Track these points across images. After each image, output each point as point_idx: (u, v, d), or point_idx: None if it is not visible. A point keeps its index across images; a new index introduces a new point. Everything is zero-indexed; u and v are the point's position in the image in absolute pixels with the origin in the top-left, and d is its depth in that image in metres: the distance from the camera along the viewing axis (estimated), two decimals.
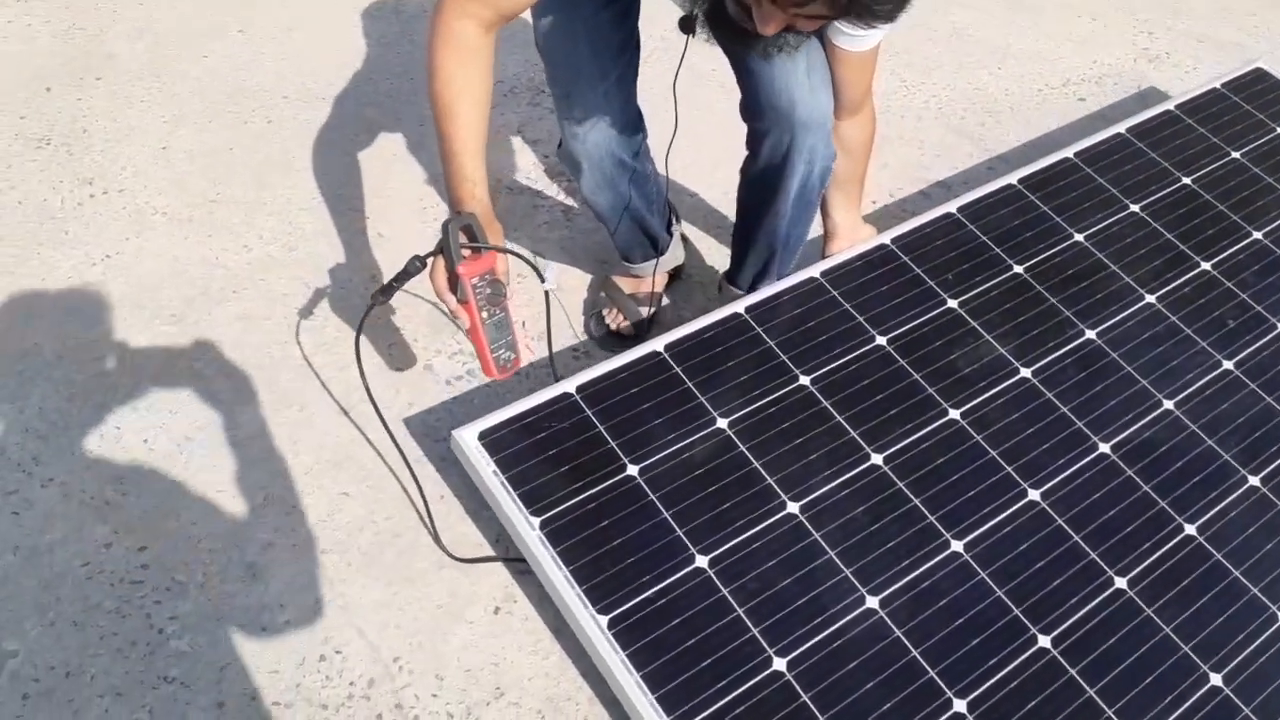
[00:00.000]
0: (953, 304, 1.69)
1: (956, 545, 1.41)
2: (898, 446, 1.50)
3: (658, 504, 1.39)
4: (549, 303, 1.56)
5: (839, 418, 1.52)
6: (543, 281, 1.45)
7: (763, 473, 1.44)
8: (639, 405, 1.49)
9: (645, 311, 1.89)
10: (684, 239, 2.02)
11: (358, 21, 2.62)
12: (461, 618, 1.45)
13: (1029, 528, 1.44)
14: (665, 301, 1.95)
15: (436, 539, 1.53)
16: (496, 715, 1.35)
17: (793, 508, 1.41)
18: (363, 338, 1.83)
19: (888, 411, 1.54)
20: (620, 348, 1.79)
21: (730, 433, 1.48)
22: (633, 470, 1.42)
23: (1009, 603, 1.37)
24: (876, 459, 1.48)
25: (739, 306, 1.63)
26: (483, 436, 1.43)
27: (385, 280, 1.56)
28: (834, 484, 1.45)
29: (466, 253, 1.33)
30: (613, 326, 1.88)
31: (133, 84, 2.33)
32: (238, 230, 2.02)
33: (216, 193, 2.09)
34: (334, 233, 2.05)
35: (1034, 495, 1.48)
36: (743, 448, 1.46)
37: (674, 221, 1.94)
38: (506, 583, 1.48)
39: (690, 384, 1.53)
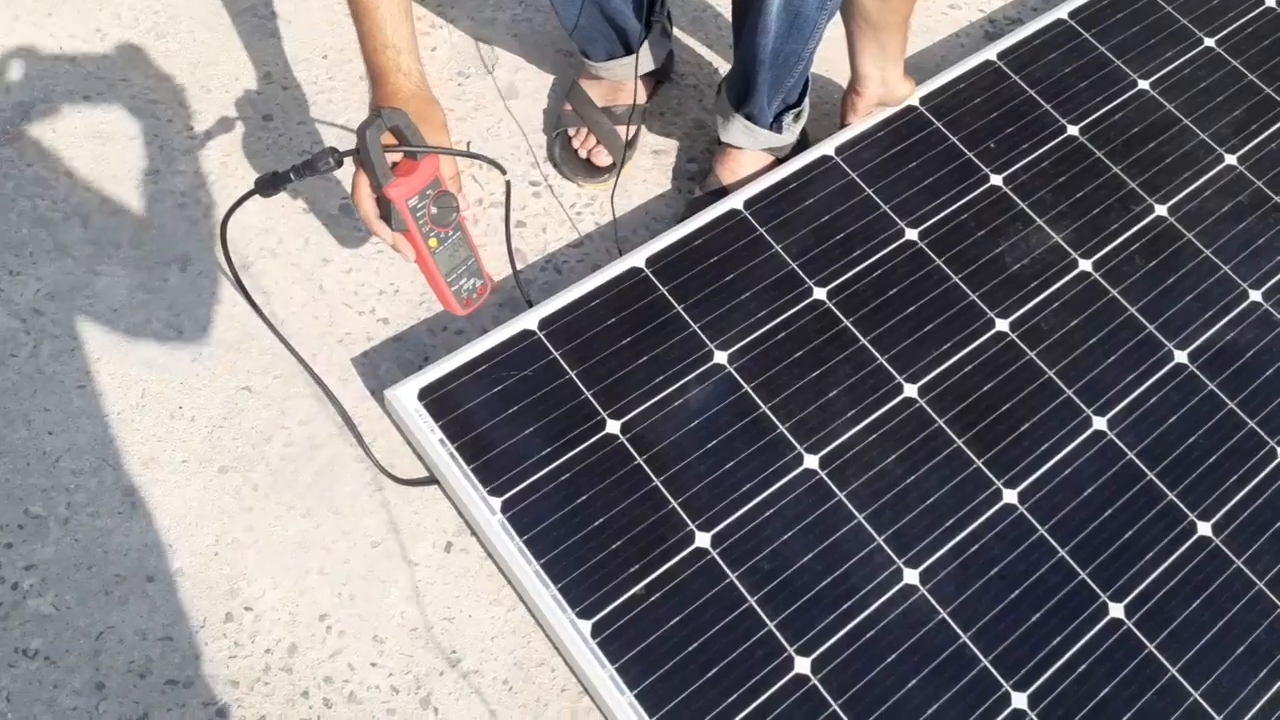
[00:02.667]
0: (996, 180, 1.39)
1: (1009, 496, 1.17)
2: (935, 373, 1.23)
3: (646, 469, 1.14)
4: (509, 201, 1.21)
5: (863, 340, 1.24)
6: (503, 174, 1.14)
7: (772, 418, 1.18)
8: (616, 341, 1.21)
9: (624, 131, 1.46)
10: (667, 31, 1.52)
11: None
12: (404, 558, 1.16)
13: (1094, 467, 1.20)
14: (646, 113, 1.51)
15: (368, 452, 1.21)
16: (453, 687, 1.11)
17: (810, 461, 1.16)
18: (243, 164, 1.44)
19: (921, 328, 1.26)
20: (590, 178, 1.45)
21: (730, 369, 1.21)
22: (613, 427, 1.16)
23: (1073, 565, 1.13)
24: (910, 390, 1.22)
25: (735, 202, 1.33)
26: (424, 395, 1.16)
27: (283, 167, 1.12)
28: (859, 427, 1.19)
29: (399, 159, 1.04)
30: (581, 153, 1.45)
31: None
32: (87, 9, 1.58)
33: None
34: (222, 14, 1.59)
35: (1099, 424, 1.22)
36: (746, 387, 1.20)
37: (658, 6, 1.46)
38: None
39: (679, 308, 1.24)
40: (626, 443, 1.15)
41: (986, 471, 1.18)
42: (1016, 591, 1.11)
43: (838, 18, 1.26)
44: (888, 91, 1.39)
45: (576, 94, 1.48)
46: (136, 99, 1.49)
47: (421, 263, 1.09)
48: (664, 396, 1.18)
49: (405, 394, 1.15)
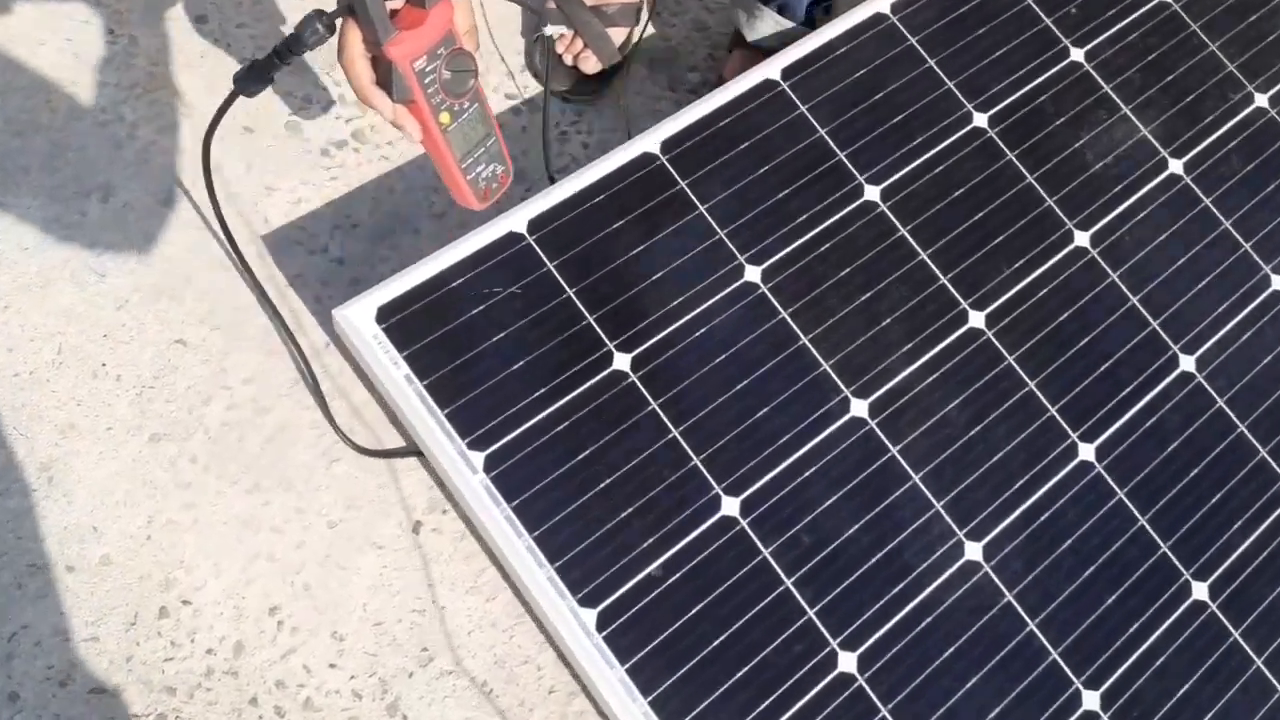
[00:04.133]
0: (1077, 55, 1.14)
1: (1085, 452, 0.99)
2: (1005, 298, 1.03)
3: (661, 415, 0.92)
4: (548, 60, 0.94)
5: (922, 254, 1.02)
6: (542, 25, 0.91)
7: (814, 353, 0.97)
8: (624, 250, 0.97)
9: (619, 35, 1.24)
10: None
11: None
12: (367, 541, 0.99)
13: (1180, 418, 1.02)
14: (646, 20, 1.28)
15: (327, 415, 1.02)
16: (424, 691, 0.95)
17: (859, 408, 0.96)
18: (173, 67, 1.19)
19: (990, 240, 1.05)
20: (580, 92, 1.24)
21: (764, 289, 0.98)
22: (621, 361, 0.93)
23: (1154, 536, 0.97)
24: (975, 319, 1.01)
25: (771, 70, 1.07)
26: (384, 316, 0.91)
27: (261, 54, 0.90)
28: (916, 365, 0.98)
29: (400, 8, 0.81)
30: (567, 59, 1.23)
31: None
32: None
33: None
34: None
35: (1187, 364, 1.04)
36: (783, 313, 0.98)
37: None
38: (430, 482, 1.02)
39: (701, 208, 1.00)
40: (638, 382, 0.93)
41: (1061, 421, 0.99)
42: (1090, 569, 0.95)
43: None
44: None
45: None
46: None
47: (430, 143, 0.85)
48: (683, 324, 0.96)
49: (359, 315, 0.90)
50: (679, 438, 0.92)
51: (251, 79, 0.88)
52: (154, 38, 1.24)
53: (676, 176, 1.01)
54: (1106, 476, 0.98)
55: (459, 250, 0.93)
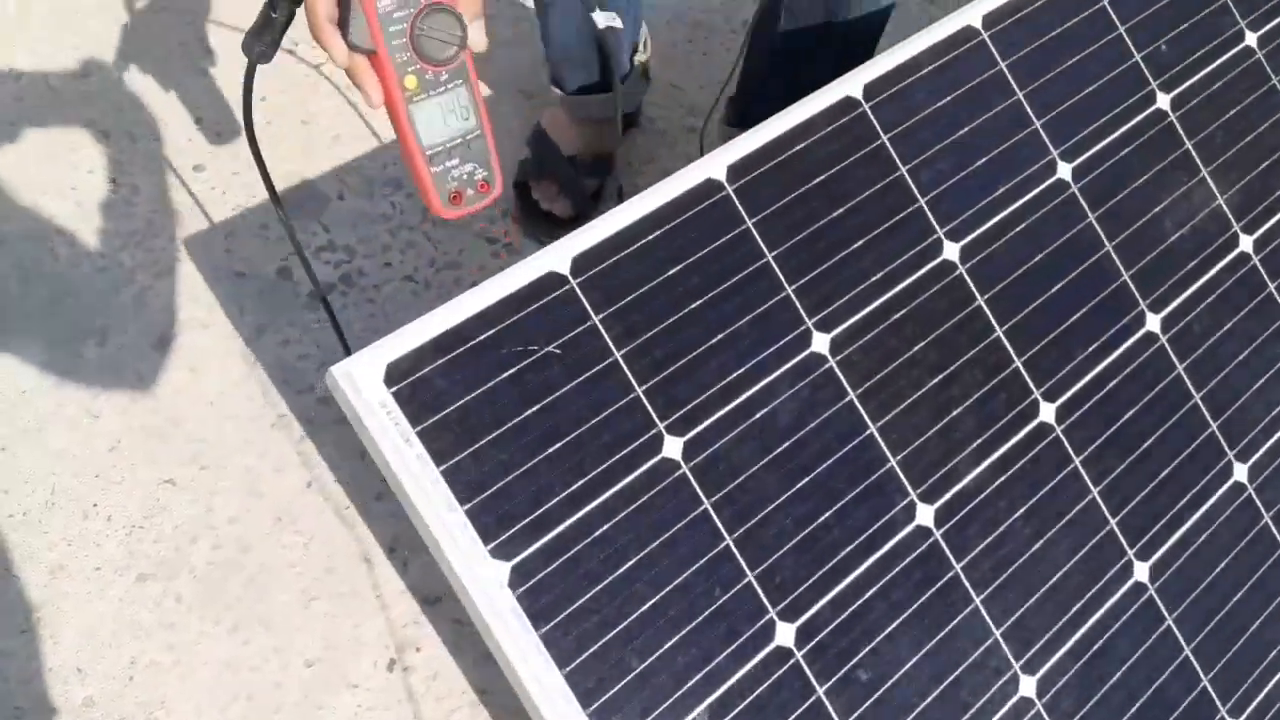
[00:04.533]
0: (1163, 102, 1.02)
1: (1140, 571, 0.90)
2: (1075, 389, 0.91)
3: (715, 520, 0.76)
4: (611, 62, 0.85)
5: (999, 331, 0.89)
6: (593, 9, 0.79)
7: (881, 445, 0.83)
8: (682, 303, 0.79)
9: (591, 185, 1.33)
10: (648, 74, 1.40)
11: None
12: (343, 680, 0.94)
13: (1229, 534, 0.95)
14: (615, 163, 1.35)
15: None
16: None
17: (924, 515, 0.83)
18: (171, 221, 1.25)
19: (1065, 319, 0.92)
20: (551, 234, 1.30)
21: (833, 362, 0.82)
22: (673, 448, 0.77)
23: (1197, 668, 0.90)
24: (1046, 412, 0.90)
25: (853, 88, 0.89)
26: (395, 377, 0.71)
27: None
28: (985, 465, 0.86)
29: None
30: (543, 205, 1.32)
31: None
32: None
33: None
34: (149, 52, 1.39)
35: (1240, 473, 0.96)
36: (852, 395, 0.82)
37: (642, 44, 1.35)
38: (406, 620, 0.97)
39: (769, 256, 0.83)
40: (690, 474, 0.77)
41: (1120, 536, 0.90)
42: (1136, 706, 0.87)
43: None
44: None
45: (540, 140, 1.34)
46: (53, 147, 1.32)
47: (392, 113, 0.69)
48: (743, 402, 0.79)
49: (364, 373, 0.69)
50: (733, 547, 0.77)
51: (253, 40, 0.75)
52: (154, 186, 1.30)
53: (743, 212, 0.83)
54: (1158, 600, 0.90)
55: (487, 293, 0.73)
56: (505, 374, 0.73)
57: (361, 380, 0.69)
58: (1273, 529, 0.97)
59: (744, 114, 1.30)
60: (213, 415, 1.14)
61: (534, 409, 0.73)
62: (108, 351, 1.17)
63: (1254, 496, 0.97)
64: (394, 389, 0.70)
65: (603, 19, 0.89)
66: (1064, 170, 0.96)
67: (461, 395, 0.71)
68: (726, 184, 0.83)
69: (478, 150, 0.72)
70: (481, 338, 0.73)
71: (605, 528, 0.73)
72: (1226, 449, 0.96)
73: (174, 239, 1.27)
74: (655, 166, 1.41)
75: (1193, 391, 0.96)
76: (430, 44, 0.67)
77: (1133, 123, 1.00)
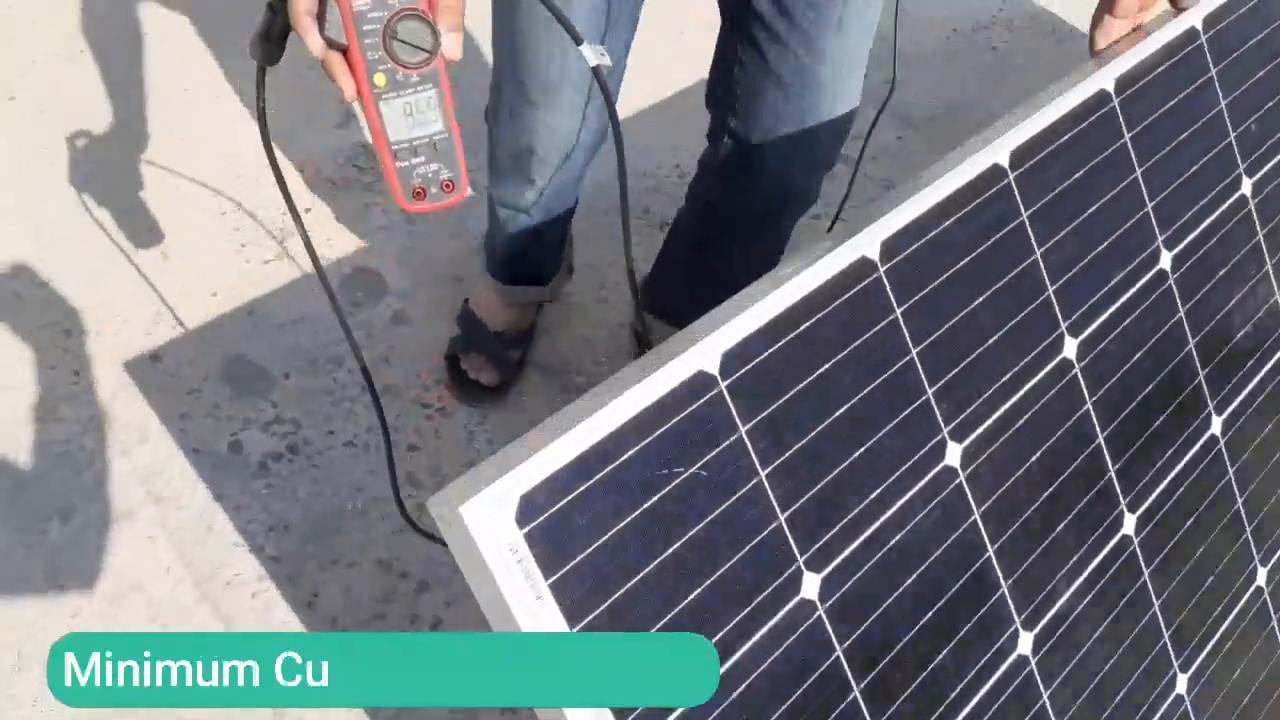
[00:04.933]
0: (1246, 187, 0.97)
1: (1181, 684, 0.89)
2: (1152, 498, 0.87)
3: (846, 671, 0.67)
4: (615, 121, 0.78)
5: (1099, 438, 0.83)
6: (578, 44, 0.75)
7: (997, 571, 0.75)
8: (826, 409, 0.67)
9: (514, 355, 1.51)
10: (571, 267, 1.59)
11: None
12: None
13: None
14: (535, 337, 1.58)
15: None
16: None
17: (1024, 644, 0.77)
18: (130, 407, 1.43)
19: (1151, 423, 0.88)
20: (480, 401, 1.50)
21: (963, 477, 0.74)
22: (811, 588, 0.66)
23: None
24: (1129, 524, 0.85)
25: (999, 155, 0.78)
26: (528, 514, 0.55)
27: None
28: (1076, 585, 0.81)
29: None
30: (471, 374, 1.48)
31: None
32: None
33: None
34: (109, 251, 1.62)
35: (1260, 578, 0.97)
36: (976, 514, 0.74)
37: (567, 246, 1.54)
38: None
39: (913, 353, 0.72)
40: (825, 617, 0.67)
41: (1169, 648, 0.88)
42: None
43: None
44: None
45: (466, 317, 1.51)
46: (18, 342, 1.47)
47: (364, 106, 0.72)
48: (879, 529, 0.69)
49: (492, 512, 0.54)
50: (860, 700, 0.68)
51: (261, 44, 0.76)
52: (113, 377, 1.45)
53: (893, 299, 0.71)
54: (1191, 714, 0.90)
55: (633, 399, 0.59)
56: (646, 504, 0.59)
57: (491, 523, 0.54)
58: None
59: (656, 300, 1.48)
60: (169, 580, 1.27)
61: (676, 547, 0.61)
62: (70, 529, 1.29)
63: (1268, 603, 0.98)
64: (526, 529, 0.55)
65: (592, 54, 0.77)
66: (1165, 259, 0.90)
67: (598, 533, 0.58)
68: (879, 264, 0.71)
69: (444, 151, 0.74)
70: (625, 457, 0.59)
71: (746, 683, 0.63)
72: (1254, 552, 0.96)
73: (132, 422, 1.41)
74: (573, 333, 1.60)
75: (1236, 496, 0.95)
76: (401, 47, 0.69)
77: (1223, 207, 0.95)
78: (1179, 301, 0.91)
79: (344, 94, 0.71)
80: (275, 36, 0.75)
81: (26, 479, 1.33)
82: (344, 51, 0.70)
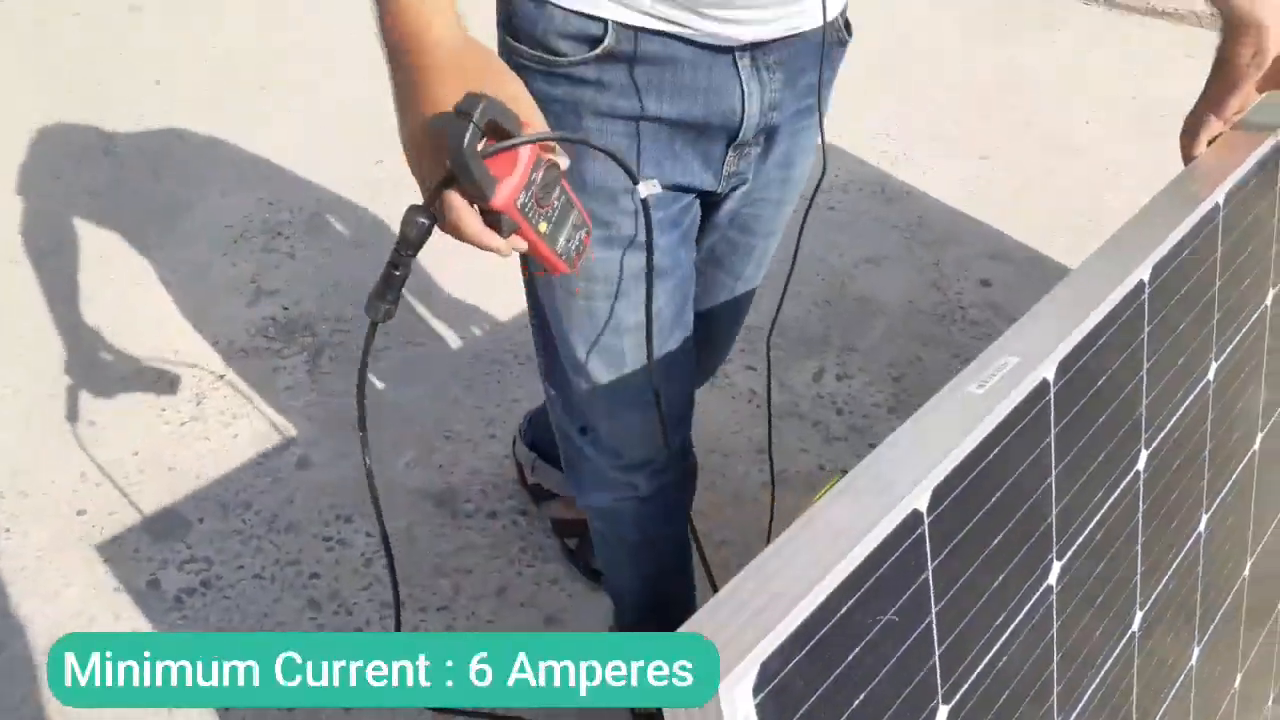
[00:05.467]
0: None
1: None
2: None
3: None
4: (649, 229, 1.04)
5: None
6: (634, 184, 0.97)
7: None
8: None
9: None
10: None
11: None
12: None
13: None
14: None
15: None
16: None
17: None
18: (58, 556, 1.69)
19: None
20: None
21: None
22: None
23: None
24: None
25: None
26: (765, 681, 0.60)
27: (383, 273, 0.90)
28: None
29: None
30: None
31: None
32: None
33: None
34: (36, 425, 1.92)
35: None
36: None
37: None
38: None
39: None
40: None
41: None
42: None
43: None
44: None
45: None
46: None
47: (534, 249, 0.91)
48: None
49: (742, 690, 0.58)
50: None
51: (378, 301, 0.88)
52: (43, 529, 1.69)
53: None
54: None
55: (855, 548, 0.65)
56: (850, 656, 0.65)
57: (740, 701, 0.57)
58: None
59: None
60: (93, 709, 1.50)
61: (862, 696, 0.65)
62: (2, 660, 1.48)
63: None
64: (758, 699, 0.59)
65: (644, 187, 0.98)
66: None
67: (814, 690, 0.62)
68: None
69: (578, 219, 0.93)
70: (843, 611, 0.64)
71: None
72: None
73: (61, 567, 1.65)
74: (462, 466, 1.97)
75: None
76: (545, 194, 0.86)
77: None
78: None
79: (521, 249, 0.89)
80: (393, 294, 0.87)
81: None
82: (515, 232, 0.87)
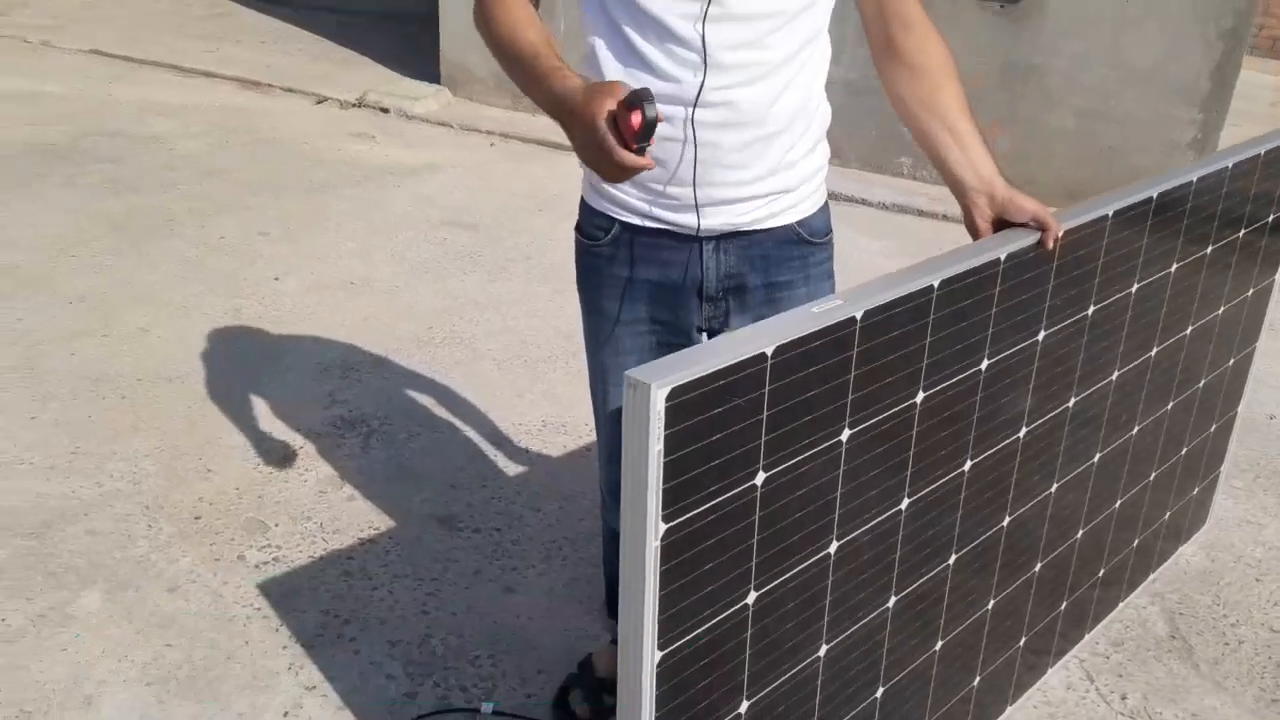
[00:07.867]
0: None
1: None
2: None
3: None
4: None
5: None
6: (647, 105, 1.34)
7: None
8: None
9: (611, 700, 1.92)
10: None
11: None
12: None
13: None
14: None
15: None
16: None
17: None
18: (182, 542, 2.71)
19: None
20: None
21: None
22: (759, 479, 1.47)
23: None
24: None
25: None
26: (674, 397, 1.15)
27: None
28: None
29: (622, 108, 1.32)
30: (572, 706, 2.00)
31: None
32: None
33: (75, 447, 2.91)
34: (174, 471, 2.90)
35: None
36: None
37: None
38: None
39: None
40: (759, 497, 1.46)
41: None
42: None
43: None
44: (1005, 189, 1.41)
45: (584, 661, 2.05)
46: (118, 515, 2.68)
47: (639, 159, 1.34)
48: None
49: (657, 393, 1.15)
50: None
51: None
52: (172, 528, 2.68)
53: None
54: None
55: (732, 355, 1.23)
56: (739, 398, 1.22)
57: (656, 396, 1.14)
58: None
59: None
60: None
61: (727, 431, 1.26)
62: (134, 598, 2.31)
63: None
64: (674, 404, 1.16)
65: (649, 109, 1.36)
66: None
67: (697, 411, 1.19)
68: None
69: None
70: (728, 381, 1.21)
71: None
72: None
73: (183, 548, 2.59)
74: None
75: None
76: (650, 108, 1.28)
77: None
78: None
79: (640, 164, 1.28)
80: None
81: None
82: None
